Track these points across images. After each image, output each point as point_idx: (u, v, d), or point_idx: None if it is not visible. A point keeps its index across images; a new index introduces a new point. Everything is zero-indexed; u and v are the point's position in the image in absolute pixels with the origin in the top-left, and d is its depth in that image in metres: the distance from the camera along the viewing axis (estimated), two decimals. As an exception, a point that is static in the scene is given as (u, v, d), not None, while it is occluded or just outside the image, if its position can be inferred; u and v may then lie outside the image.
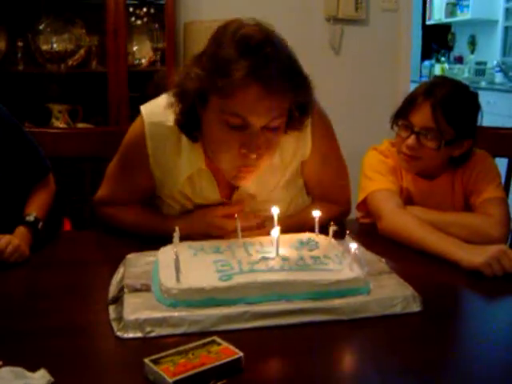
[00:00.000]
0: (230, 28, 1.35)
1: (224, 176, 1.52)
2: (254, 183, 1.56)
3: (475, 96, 1.77)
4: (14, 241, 1.45)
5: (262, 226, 1.51)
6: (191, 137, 1.49)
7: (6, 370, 0.92)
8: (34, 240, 1.54)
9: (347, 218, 1.80)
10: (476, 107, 1.77)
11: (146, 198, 1.67)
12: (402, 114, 1.77)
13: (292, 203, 1.70)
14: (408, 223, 1.62)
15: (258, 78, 1.28)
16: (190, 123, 1.45)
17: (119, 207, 1.66)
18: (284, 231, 1.31)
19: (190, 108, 1.41)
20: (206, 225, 1.53)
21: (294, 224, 1.54)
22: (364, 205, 1.80)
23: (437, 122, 1.68)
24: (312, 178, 1.71)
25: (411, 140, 1.72)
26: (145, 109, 1.58)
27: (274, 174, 1.62)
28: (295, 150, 1.61)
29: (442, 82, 1.77)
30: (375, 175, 1.80)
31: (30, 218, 1.57)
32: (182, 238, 1.30)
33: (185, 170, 1.55)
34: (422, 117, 1.71)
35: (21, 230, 1.53)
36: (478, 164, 1.80)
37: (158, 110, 1.51)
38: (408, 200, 1.80)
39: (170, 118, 1.48)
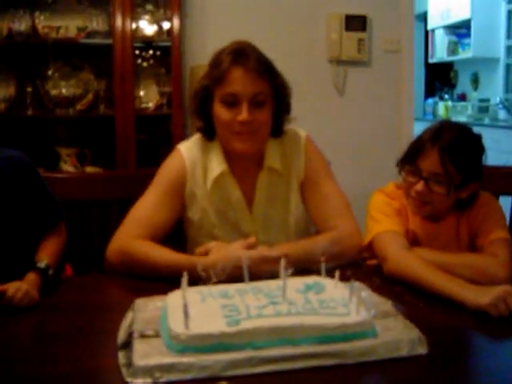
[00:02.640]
0: (225, 46, 1.84)
1: (243, 177, 1.89)
2: (265, 187, 1.90)
3: (479, 138, 1.80)
4: (23, 286, 1.47)
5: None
6: (208, 136, 1.90)
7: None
8: (44, 286, 1.55)
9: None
10: (481, 149, 1.79)
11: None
12: (410, 160, 1.78)
13: (297, 227, 1.92)
14: (413, 265, 1.63)
15: (239, 63, 1.76)
16: (206, 123, 1.87)
17: (154, 245, 1.74)
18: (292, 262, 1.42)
19: (204, 108, 1.84)
20: (238, 254, 1.58)
21: (300, 252, 1.70)
22: (370, 247, 1.82)
23: (445, 168, 1.70)
24: (312, 202, 1.92)
25: (420, 186, 1.74)
26: (180, 144, 1.97)
27: (278, 177, 1.91)
28: (292, 164, 1.92)
29: (448, 127, 1.78)
30: (381, 217, 1.82)
31: (41, 265, 1.59)
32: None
33: (211, 174, 1.87)
34: (430, 163, 1.72)
35: (31, 277, 1.55)
36: (484, 206, 1.82)
37: (189, 141, 1.96)
38: (414, 242, 1.81)
39: (198, 142, 1.92)
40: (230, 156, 1.87)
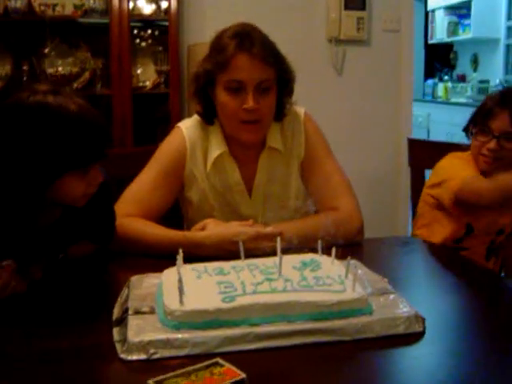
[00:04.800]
0: (226, 28, 1.80)
1: (243, 159, 1.87)
2: (266, 167, 1.87)
3: None
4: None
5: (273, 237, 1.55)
6: (208, 120, 1.86)
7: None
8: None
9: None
10: None
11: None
12: (479, 122, 2.01)
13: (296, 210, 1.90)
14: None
15: (244, 49, 1.71)
16: (206, 108, 1.84)
17: (146, 222, 1.74)
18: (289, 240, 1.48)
19: (204, 92, 1.81)
20: (234, 230, 1.63)
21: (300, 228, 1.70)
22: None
23: None
24: (312, 181, 1.90)
25: (493, 143, 1.97)
26: (180, 122, 1.94)
27: (279, 158, 1.88)
28: (293, 143, 1.90)
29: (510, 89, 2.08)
30: (463, 166, 2.04)
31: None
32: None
33: (211, 156, 1.85)
34: (501, 123, 1.96)
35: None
36: None
37: (190, 120, 1.92)
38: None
39: (199, 122, 1.89)
40: (229, 138, 1.85)
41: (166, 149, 1.89)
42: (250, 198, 1.88)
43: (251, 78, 1.72)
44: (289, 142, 1.90)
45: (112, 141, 1.44)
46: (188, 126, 1.89)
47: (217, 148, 1.85)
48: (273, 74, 1.77)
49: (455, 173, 2.01)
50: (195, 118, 1.91)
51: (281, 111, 1.85)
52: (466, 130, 2.10)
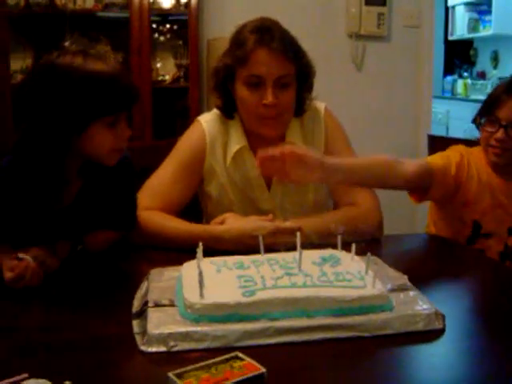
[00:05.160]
0: (246, 23, 1.79)
1: None
2: None
3: None
4: (30, 265, 1.40)
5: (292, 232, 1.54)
6: (228, 115, 1.87)
7: (32, 382, 0.94)
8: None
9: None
10: None
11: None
12: (487, 112, 1.94)
13: (315, 206, 1.89)
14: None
15: (264, 44, 1.71)
16: (226, 102, 1.85)
17: (165, 215, 1.74)
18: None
19: (224, 86, 1.81)
20: (253, 224, 1.63)
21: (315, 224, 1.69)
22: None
23: None
24: None
25: (500, 133, 1.89)
26: (200, 116, 1.95)
27: None
28: (313, 139, 1.89)
29: None
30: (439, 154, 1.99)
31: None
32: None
33: (231, 150, 1.85)
34: (508, 111, 1.89)
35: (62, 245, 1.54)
36: None
37: (209, 114, 1.92)
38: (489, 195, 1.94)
39: (219, 116, 1.89)
40: (249, 132, 1.85)
41: (186, 142, 1.89)
42: (268, 193, 1.87)
43: (270, 73, 1.72)
44: (309, 138, 1.89)
45: (138, 99, 1.52)
46: (208, 120, 1.89)
47: (236, 142, 1.85)
48: (292, 69, 1.76)
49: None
50: (215, 111, 1.91)
51: (301, 107, 1.85)
52: (474, 121, 2.02)
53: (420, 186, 1.88)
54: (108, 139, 1.46)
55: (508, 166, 1.95)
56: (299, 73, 1.79)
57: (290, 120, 1.84)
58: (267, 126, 1.78)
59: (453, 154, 1.97)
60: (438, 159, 1.94)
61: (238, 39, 1.77)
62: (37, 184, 1.46)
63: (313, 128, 1.89)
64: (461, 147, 2.05)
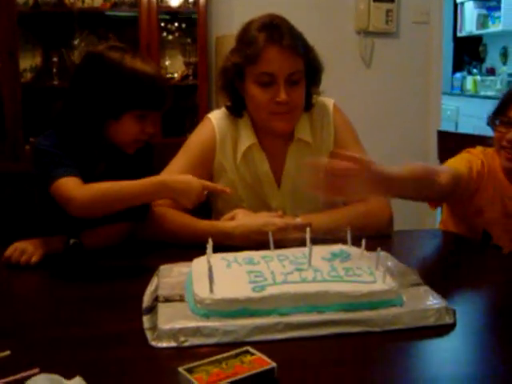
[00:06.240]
0: (252, 20, 1.78)
1: (272, 151, 1.87)
2: (294, 159, 1.86)
3: None
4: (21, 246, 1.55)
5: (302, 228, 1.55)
6: (237, 113, 1.86)
7: (43, 377, 0.94)
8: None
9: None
10: None
11: None
12: (501, 112, 1.85)
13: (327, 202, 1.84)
14: None
15: (274, 41, 1.70)
16: (234, 101, 1.85)
17: (175, 211, 1.74)
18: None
19: (232, 85, 1.81)
20: (263, 220, 1.63)
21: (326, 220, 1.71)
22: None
23: None
24: None
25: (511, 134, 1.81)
26: (210, 113, 1.95)
27: (308, 150, 1.87)
28: (322, 135, 1.89)
29: None
30: (454, 160, 1.89)
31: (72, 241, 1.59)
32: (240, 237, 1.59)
33: (241, 147, 1.85)
34: None
35: (54, 241, 1.59)
36: None
37: (219, 111, 1.92)
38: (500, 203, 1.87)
39: (229, 114, 1.89)
40: (259, 130, 1.85)
41: (196, 139, 1.90)
42: (278, 189, 1.87)
43: (282, 71, 1.71)
44: (318, 134, 1.89)
45: (169, 104, 1.68)
46: (218, 117, 1.89)
47: (246, 139, 1.85)
48: (302, 65, 1.76)
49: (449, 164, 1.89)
50: (225, 109, 1.91)
51: (309, 101, 1.85)
52: (488, 122, 1.94)
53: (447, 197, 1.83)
54: (135, 130, 1.62)
55: None
56: (308, 68, 1.79)
57: (301, 115, 1.84)
58: (279, 121, 1.78)
59: (474, 161, 1.89)
60: (462, 167, 1.84)
61: (246, 37, 1.76)
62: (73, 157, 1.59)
63: (322, 124, 1.89)
64: (479, 151, 1.95)
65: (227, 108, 1.89)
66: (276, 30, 1.71)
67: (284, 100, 1.72)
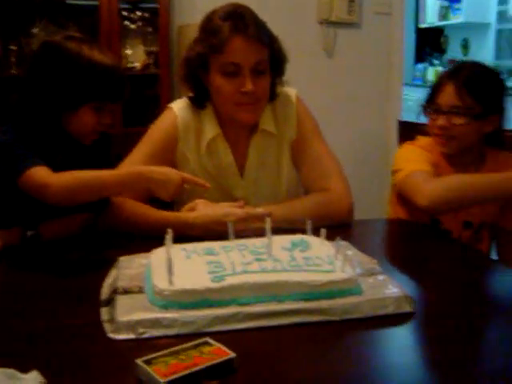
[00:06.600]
0: (215, 9, 1.76)
1: (236, 141, 1.86)
2: (258, 149, 1.86)
3: (497, 73, 1.89)
4: None
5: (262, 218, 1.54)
6: (200, 104, 1.84)
7: (-3, 372, 0.92)
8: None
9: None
10: (499, 83, 1.88)
11: None
12: (430, 99, 1.89)
13: (288, 193, 1.90)
14: (453, 178, 1.76)
15: (239, 31, 1.68)
16: (197, 92, 1.83)
17: (135, 202, 1.72)
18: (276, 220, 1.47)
19: (195, 76, 1.79)
20: (223, 211, 1.63)
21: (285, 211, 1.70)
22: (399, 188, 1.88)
23: (462, 99, 1.80)
24: (303, 163, 1.88)
25: (441, 120, 1.85)
26: (172, 103, 1.91)
27: (271, 140, 1.88)
28: (285, 125, 1.88)
29: (463, 63, 1.94)
30: (415, 159, 1.88)
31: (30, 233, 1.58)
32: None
33: (204, 138, 1.83)
34: (447, 97, 1.84)
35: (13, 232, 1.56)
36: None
37: (182, 101, 1.89)
38: None
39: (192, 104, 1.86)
40: (222, 120, 1.84)
41: (158, 129, 1.87)
42: (241, 179, 1.87)
43: (247, 60, 1.70)
44: (281, 125, 1.89)
45: (127, 94, 1.66)
46: (180, 107, 1.87)
47: (210, 130, 1.84)
48: (267, 55, 1.75)
49: (405, 164, 1.89)
50: (187, 99, 1.89)
51: (273, 92, 1.84)
52: (422, 111, 1.96)
53: None
54: (92, 121, 1.60)
55: (460, 156, 1.91)
56: (272, 58, 1.78)
57: (265, 106, 1.83)
58: (245, 112, 1.76)
59: (426, 154, 1.92)
60: (427, 167, 1.85)
61: (210, 27, 1.74)
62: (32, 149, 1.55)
63: (285, 114, 1.89)
64: (423, 141, 1.98)
65: (190, 99, 1.87)
66: (241, 19, 1.70)
67: (250, 90, 1.70)
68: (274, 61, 1.79)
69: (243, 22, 1.69)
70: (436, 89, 1.90)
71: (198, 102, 1.85)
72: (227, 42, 1.69)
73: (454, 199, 1.73)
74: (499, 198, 1.76)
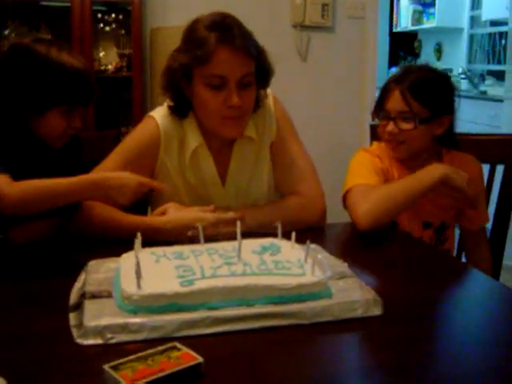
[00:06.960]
0: (199, 18, 1.69)
1: (218, 151, 1.82)
2: (239, 156, 1.83)
3: (444, 76, 1.93)
4: None
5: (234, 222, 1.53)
6: (181, 115, 1.78)
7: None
8: None
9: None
10: (446, 85, 1.90)
11: None
12: (379, 105, 1.88)
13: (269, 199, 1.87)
14: (376, 193, 1.74)
15: (226, 42, 1.62)
16: (179, 102, 1.77)
17: (106, 206, 1.68)
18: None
19: (178, 87, 1.72)
20: (194, 215, 1.61)
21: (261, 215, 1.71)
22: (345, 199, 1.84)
23: (408, 104, 1.81)
24: (278, 166, 1.86)
25: (390, 126, 1.85)
26: (153, 112, 1.85)
27: (252, 146, 1.84)
28: (264, 128, 1.84)
29: (409, 67, 1.97)
30: (360, 171, 1.87)
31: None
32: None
33: (188, 149, 1.78)
34: (394, 103, 1.84)
35: None
36: (469, 169, 1.86)
37: (163, 109, 1.82)
38: None
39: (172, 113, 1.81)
40: (205, 130, 1.79)
41: (137, 138, 1.81)
42: (223, 188, 1.84)
43: (234, 73, 1.64)
44: (260, 128, 1.85)
45: (97, 98, 1.67)
46: (162, 115, 1.81)
47: (193, 140, 1.78)
48: (254, 67, 1.69)
49: (349, 176, 1.89)
50: (167, 108, 1.83)
51: (257, 103, 1.79)
52: (372, 116, 1.96)
53: None
54: (61, 125, 1.59)
55: (414, 159, 1.91)
56: (259, 70, 1.72)
57: (250, 118, 1.79)
58: (230, 127, 1.72)
59: (374, 161, 1.91)
60: (374, 180, 1.84)
61: (194, 37, 1.67)
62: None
63: (264, 116, 1.85)
64: (374, 147, 1.99)
65: (170, 108, 1.80)
66: (228, 30, 1.64)
67: (236, 104, 1.65)
68: (260, 73, 1.73)
69: (230, 32, 1.63)
70: (384, 94, 1.89)
71: (180, 112, 1.80)
72: (213, 53, 1.62)
73: (383, 215, 1.72)
74: (418, 197, 1.75)
